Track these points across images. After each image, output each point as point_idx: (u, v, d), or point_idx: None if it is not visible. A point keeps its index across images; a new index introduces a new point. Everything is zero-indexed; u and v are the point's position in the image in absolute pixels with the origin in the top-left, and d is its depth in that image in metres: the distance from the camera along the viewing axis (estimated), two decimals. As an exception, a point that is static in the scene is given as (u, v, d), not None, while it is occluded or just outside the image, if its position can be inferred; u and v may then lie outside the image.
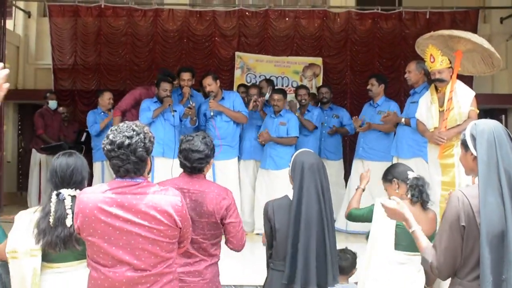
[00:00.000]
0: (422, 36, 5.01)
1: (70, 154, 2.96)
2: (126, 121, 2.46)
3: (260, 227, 6.11)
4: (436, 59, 4.79)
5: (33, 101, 9.76)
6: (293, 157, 3.27)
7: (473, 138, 2.28)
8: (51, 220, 2.80)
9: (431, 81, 5.04)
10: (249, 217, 6.74)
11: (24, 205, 7.38)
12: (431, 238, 3.35)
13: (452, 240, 2.23)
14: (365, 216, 3.59)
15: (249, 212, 6.76)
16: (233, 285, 4.52)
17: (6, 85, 1.53)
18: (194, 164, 3.07)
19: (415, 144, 5.96)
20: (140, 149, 2.35)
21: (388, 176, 3.70)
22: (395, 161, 6.16)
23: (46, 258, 2.86)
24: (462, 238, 2.20)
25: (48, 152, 8.05)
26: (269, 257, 3.26)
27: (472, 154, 2.30)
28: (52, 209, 2.82)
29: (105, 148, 2.38)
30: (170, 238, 2.39)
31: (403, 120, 5.99)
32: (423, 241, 2.40)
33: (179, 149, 3.12)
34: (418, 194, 3.44)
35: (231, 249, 3.18)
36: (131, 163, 2.35)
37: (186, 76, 6.67)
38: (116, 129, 2.40)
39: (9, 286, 2.95)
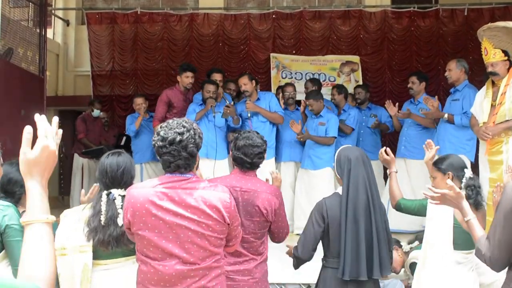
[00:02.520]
0: (482, 27, 4.85)
1: (119, 154, 3.00)
2: (175, 118, 2.47)
3: (299, 227, 6.05)
4: (489, 52, 4.63)
5: (72, 108, 9.96)
6: (337, 153, 3.22)
7: None
8: (102, 219, 2.83)
9: (487, 74, 4.91)
10: (289, 219, 6.68)
11: (66, 208, 7.50)
12: None
13: (506, 232, 2.14)
14: (416, 210, 3.43)
15: (289, 213, 6.69)
16: (276, 283, 4.48)
17: (60, 132, 1.54)
18: (254, 159, 3.08)
19: (457, 141, 5.82)
20: (191, 145, 2.37)
21: (443, 166, 3.40)
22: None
23: (94, 255, 2.89)
24: None
25: (89, 156, 8.20)
26: (324, 255, 3.16)
27: None
28: (103, 208, 2.85)
29: (156, 145, 2.40)
30: (218, 233, 2.39)
31: (446, 115, 5.81)
32: (478, 231, 2.33)
33: (236, 146, 3.10)
34: (475, 195, 3.27)
35: (275, 241, 3.22)
36: (182, 159, 2.37)
37: (218, 77, 6.72)
38: (166, 126, 2.42)
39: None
